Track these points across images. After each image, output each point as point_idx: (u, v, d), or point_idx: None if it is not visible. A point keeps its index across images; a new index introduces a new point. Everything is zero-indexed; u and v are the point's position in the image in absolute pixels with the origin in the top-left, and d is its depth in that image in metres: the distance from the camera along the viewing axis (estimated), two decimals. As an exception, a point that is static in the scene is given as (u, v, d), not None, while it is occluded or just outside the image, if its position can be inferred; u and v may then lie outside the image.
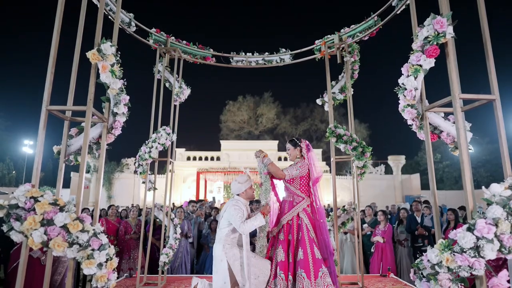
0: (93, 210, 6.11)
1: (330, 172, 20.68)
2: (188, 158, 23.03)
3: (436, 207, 2.26)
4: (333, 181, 4.52)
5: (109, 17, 3.58)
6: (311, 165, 3.22)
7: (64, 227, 1.88)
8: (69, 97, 2.38)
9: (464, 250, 1.73)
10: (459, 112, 1.96)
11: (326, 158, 24.03)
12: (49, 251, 2.14)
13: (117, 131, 2.48)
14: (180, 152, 23.00)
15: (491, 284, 1.74)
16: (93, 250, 1.94)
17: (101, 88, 2.45)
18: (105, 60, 2.16)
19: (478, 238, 1.70)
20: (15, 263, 4.56)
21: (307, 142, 3.39)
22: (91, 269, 1.92)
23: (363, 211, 7.34)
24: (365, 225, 6.45)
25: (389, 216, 8.60)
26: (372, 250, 5.91)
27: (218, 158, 22.80)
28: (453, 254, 1.76)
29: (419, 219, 6.66)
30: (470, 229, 1.75)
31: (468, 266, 1.72)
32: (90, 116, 2.15)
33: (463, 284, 1.78)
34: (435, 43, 1.99)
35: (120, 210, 8.64)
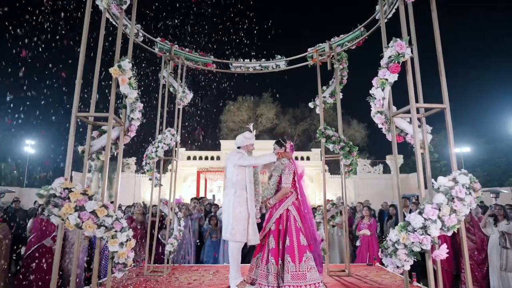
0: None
1: (327, 171, 20.93)
2: (189, 158, 23.43)
3: (401, 204, 2.68)
4: (323, 177, 4.95)
5: (125, 32, 3.96)
6: (294, 164, 3.69)
7: (93, 212, 2.32)
8: (92, 106, 2.82)
9: (415, 229, 2.16)
10: (415, 118, 2.39)
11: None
12: (79, 235, 2.57)
13: (132, 133, 2.93)
14: (181, 152, 23.41)
15: (434, 255, 2.17)
16: (116, 231, 2.37)
17: (117, 97, 2.89)
18: (124, 74, 2.60)
19: (425, 219, 2.14)
20: (31, 250, 5.01)
21: (291, 143, 3.86)
22: (115, 247, 2.35)
23: (354, 207, 7.78)
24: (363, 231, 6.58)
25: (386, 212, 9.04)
26: (358, 243, 6.36)
27: (218, 158, 23.19)
28: (408, 233, 2.20)
29: (407, 215, 7.11)
30: (420, 213, 2.18)
31: (419, 242, 2.15)
32: (112, 121, 2.59)
33: (415, 257, 2.21)
34: (396, 61, 2.42)
35: (124, 208, 9.10)
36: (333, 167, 21.58)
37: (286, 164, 3.67)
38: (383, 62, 2.55)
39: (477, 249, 5.77)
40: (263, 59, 6.00)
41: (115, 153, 2.91)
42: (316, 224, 4.59)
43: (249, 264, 3.76)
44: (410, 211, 7.16)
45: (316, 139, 5.21)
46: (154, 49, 5.22)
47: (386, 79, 2.51)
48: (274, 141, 3.97)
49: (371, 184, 22.74)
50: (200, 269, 4.93)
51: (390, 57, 2.45)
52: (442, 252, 2.13)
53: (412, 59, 2.51)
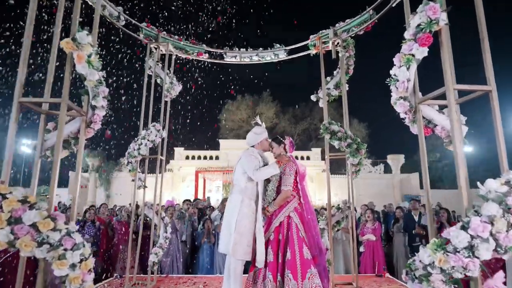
0: (90, 207, 6.04)
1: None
2: (187, 157, 22.90)
3: (429, 205, 2.14)
4: (327, 178, 4.40)
5: (89, 3, 3.31)
6: (295, 162, 3.15)
7: (34, 225, 1.77)
8: (46, 89, 2.27)
9: (458, 250, 1.61)
10: (453, 104, 1.85)
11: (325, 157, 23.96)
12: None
13: (97, 125, 2.37)
14: (179, 152, 22.89)
15: (486, 286, 1.63)
16: (65, 250, 1.83)
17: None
18: (81, 49, 2.05)
19: (472, 237, 1.59)
20: (4, 257, 4.47)
21: (290, 138, 3.34)
22: (63, 270, 1.80)
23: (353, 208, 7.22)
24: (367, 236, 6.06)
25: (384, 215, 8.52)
26: (361, 249, 5.79)
27: (217, 157, 22.67)
28: (446, 254, 1.65)
29: (416, 218, 6.54)
30: (464, 228, 1.63)
31: (462, 267, 1.61)
32: (65, 108, 2.04)
33: (456, 285, 1.67)
34: (428, 30, 1.88)
35: (116, 209, 8.65)
36: (334, 166, 21.07)
37: (286, 164, 3.14)
38: (408, 33, 2.00)
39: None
40: (261, 48, 5.45)
41: (75, 150, 2.36)
42: (320, 231, 4.05)
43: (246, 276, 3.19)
44: (420, 214, 6.60)
45: (319, 136, 4.64)
46: (138, 35, 4.67)
47: (413, 55, 1.96)
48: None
49: (371, 184, 22.24)
50: (189, 281, 4.40)
51: (419, 25, 1.90)
52: (498, 282, 1.59)
53: (446, 28, 1.95)
